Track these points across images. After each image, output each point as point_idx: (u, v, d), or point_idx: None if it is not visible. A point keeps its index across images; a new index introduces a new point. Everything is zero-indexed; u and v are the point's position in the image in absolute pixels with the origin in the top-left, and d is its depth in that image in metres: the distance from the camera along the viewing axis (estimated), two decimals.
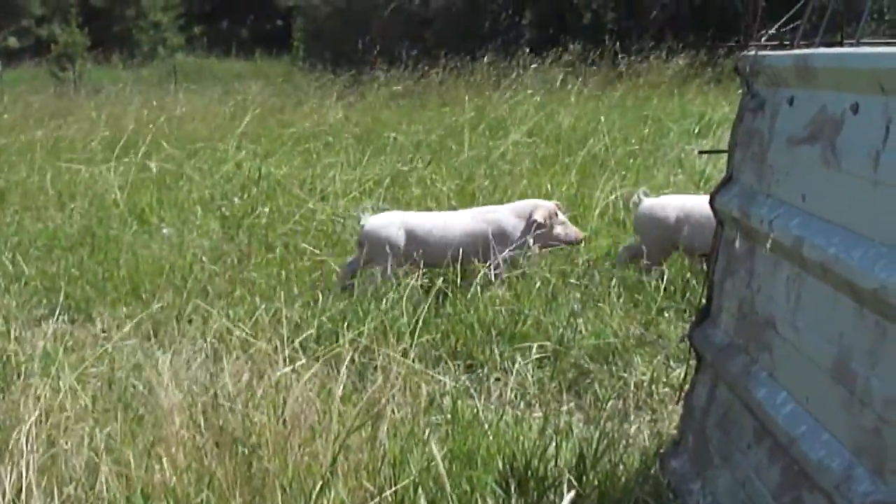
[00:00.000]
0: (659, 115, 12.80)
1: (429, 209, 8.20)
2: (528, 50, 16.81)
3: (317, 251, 7.10)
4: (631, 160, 9.75)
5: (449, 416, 4.45)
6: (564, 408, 4.92)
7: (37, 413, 4.05)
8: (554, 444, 3.96)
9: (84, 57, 25.87)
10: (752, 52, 3.38)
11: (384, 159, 9.84)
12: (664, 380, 5.16)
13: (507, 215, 6.76)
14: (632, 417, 4.82)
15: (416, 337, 5.41)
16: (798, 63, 2.98)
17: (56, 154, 11.66)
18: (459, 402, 4.55)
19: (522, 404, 5.06)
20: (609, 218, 7.74)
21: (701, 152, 8.20)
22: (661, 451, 4.03)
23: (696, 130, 11.65)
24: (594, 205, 7.73)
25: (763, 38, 3.48)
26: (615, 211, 7.80)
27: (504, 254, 6.45)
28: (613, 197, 7.80)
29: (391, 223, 6.65)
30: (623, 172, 9.09)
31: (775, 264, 3.06)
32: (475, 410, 4.45)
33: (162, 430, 4.03)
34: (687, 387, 3.83)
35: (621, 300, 5.91)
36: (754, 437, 3.13)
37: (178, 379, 4.51)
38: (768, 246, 3.03)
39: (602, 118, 11.54)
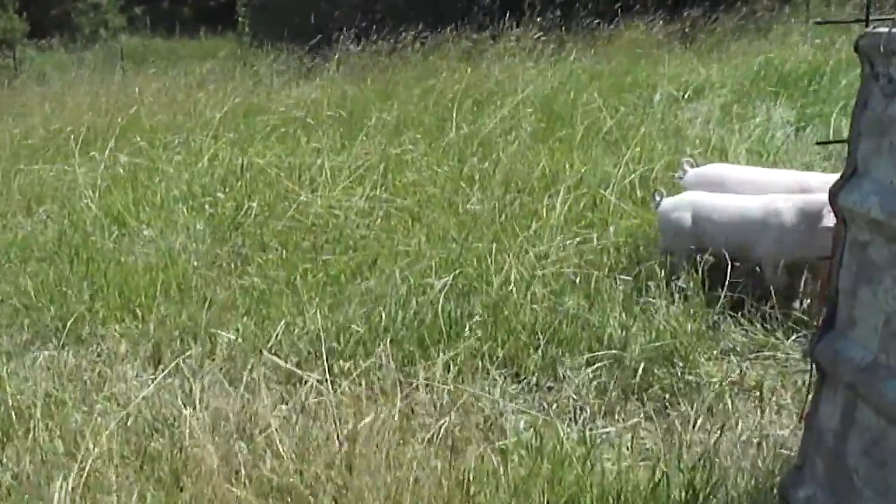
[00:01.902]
0: (640, 80, 12.37)
1: (426, 192, 7.72)
2: (505, 17, 16.19)
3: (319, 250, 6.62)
4: (630, 131, 9.29)
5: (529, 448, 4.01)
6: (634, 420, 4.51)
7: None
8: (664, 480, 3.53)
9: (24, 43, 24.89)
10: (887, 30, 2.92)
11: (370, 141, 9.29)
12: (738, 381, 4.78)
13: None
14: (709, 426, 4.41)
15: (457, 344, 5.00)
16: None
17: (15, 153, 10.96)
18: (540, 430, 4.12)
19: (585, 416, 4.64)
20: (631, 195, 7.29)
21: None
22: (777, 475, 3.62)
23: (684, 96, 11.22)
24: (613, 181, 7.26)
25: None
26: (632, 189, 7.34)
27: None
28: (636, 173, 7.34)
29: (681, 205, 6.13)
30: (629, 144, 8.63)
31: None
32: (560, 441, 4.00)
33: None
34: (808, 406, 3.41)
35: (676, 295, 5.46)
36: None
37: (211, 425, 4.02)
38: None
39: (591, 88, 11.11)
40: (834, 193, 3.20)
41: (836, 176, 5.99)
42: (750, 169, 6.50)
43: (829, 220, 5.33)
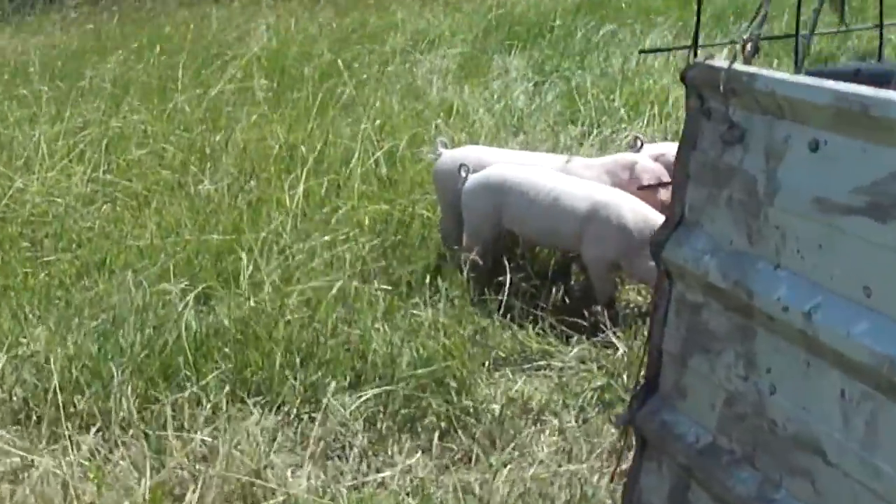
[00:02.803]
0: (369, 31, 11.82)
1: (159, 174, 6.94)
2: None
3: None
4: (367, 90, 8.76)
5: None
6: (412, 460, 4.06)
7: None
8: None
9: None
10: (725, 64, 2.54)
11: (87, 107, 8.29)
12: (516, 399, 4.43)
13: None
14: (492, 460, 4.03)
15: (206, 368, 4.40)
16: (845, 104, 2.17)
17: None
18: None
19: (354, 453, 4.16)
20: (376, 173, 6.77)
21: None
22: None
23: (418, 49, 10.78)
24: (355, 158, 6.72)
25: (746, 44, 2.64)
26: (377, 166, 6.83)
27: None
28: (381, 151, 6.81)
29: None
30: (366, 109, 8.10)
31: (813, 369, 2.29)
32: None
33: None
34: (622, 472, 3.06)
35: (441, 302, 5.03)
36: None
37: None
38: (804, 344, 2.27)
39: (320, 42, 10.46)
40: (657, 244, 2.82)
41: (597, 162, 5.93)
42: (512, 153, 6.12)
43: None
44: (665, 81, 8.79)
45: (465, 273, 5.19)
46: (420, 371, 4.44)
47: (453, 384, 4.48)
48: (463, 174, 5.51)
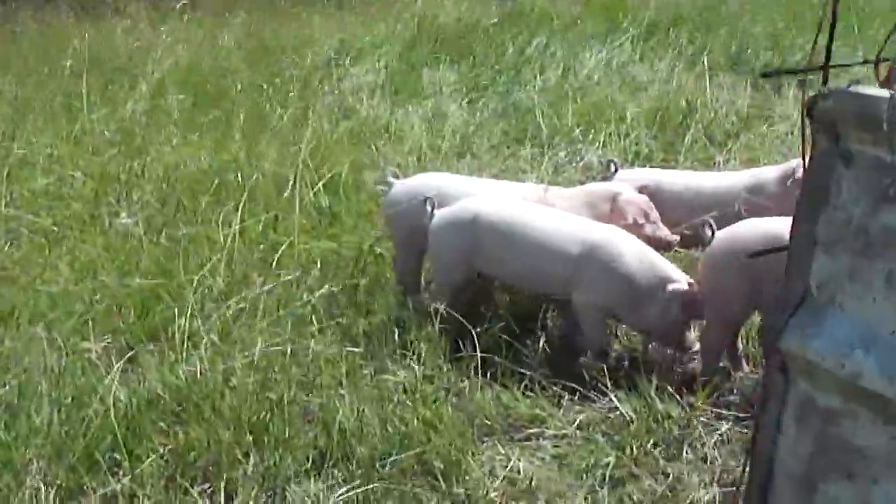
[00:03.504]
0: (288, 43, 11.00)
1: (70, 206, 6.08)
2: None
3: None
4: (293, 109, 7.98)
5: None
6: None
7: None
8: None
9: None
10: (888, 95, 1.89)
11: None
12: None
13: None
14: None
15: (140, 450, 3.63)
16: None
17: None
18: None
19: None
20: (315, 205, 6.01)
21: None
22: None
23: (342, 62, 10.01)
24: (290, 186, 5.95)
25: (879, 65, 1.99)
26: (317, 196, 6.06)
27: None
28: (321, 183, 6.04)
29: None
30: (297, 129, 7.34)
31: None
32: None
33: None
34: None
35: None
36: None
37: None
38: None
39: (235, 55, 9.65)
40: (771, 329, 2.15)
41: (573, 193, 5.28)
42: (474, 181, 5.43)
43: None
44: (621, 98, 8.20)
45: (436, 325, 4.49)
46: (401, 455, 3.70)
47: (438, 464, 3.76)
48: (428, 209, 4.79)
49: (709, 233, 4.34)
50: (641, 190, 5.06)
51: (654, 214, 4.90)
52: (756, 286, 4.15)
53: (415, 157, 6.93)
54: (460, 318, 4.49)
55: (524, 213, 4.63)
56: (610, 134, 7.53)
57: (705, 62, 8.96)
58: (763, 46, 10.41)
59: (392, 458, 3.72)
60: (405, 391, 4.13)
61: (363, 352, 4.42)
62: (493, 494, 3.63)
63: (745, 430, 4.02)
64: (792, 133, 7.78)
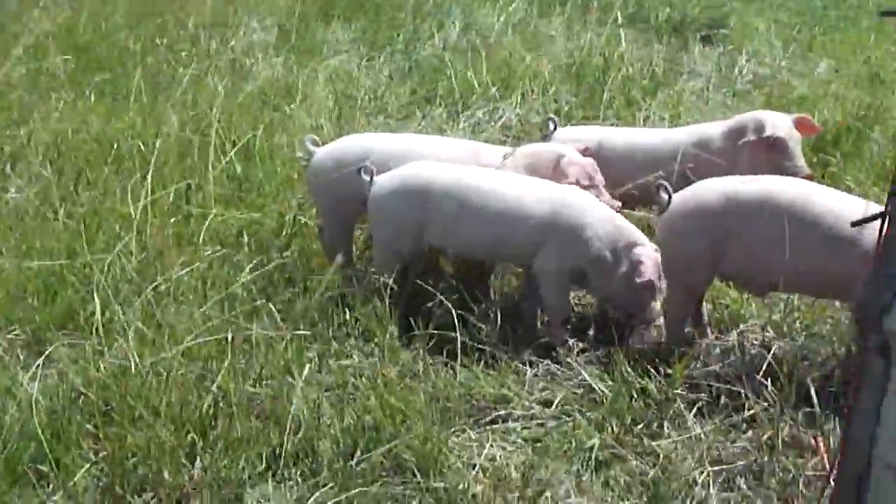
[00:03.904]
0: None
1: None
2: None
3: None
4: (183, 70, 7.40)
5: None
6: None
7: None
8: None
9: None
10: None
11: None
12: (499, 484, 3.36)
13: None
14: None
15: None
16: None
17: None
18: None
19: None
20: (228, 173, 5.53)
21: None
22: None
23: (233, 20, 9.40)
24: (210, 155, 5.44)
25: None
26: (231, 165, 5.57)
27: None
28: (233, 151, 5.53)
29: None
30: (190, 94, 6.80)
31: None
32: None
33: None
34: None
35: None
36: None
37: None
38: None
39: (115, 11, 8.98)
40: (872, 307, 1.85)
41: (516, 155, 4.91)
42: (402, 137, 5.04)
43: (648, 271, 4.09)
44: (527, 54, 7.87)
45: (386, 300, 4.11)
46: (370, 453, 3.33)
47: (411, 458, 3.40)
48: (366, 176, 4.38)
49: (664, 196, 4.05)
50: (585, 152, 4.76)
51: (599, 178, 4.60)
52: (719, 250, 3.91)
53: (326, 118, 6.46)
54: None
55: (482, 180, 4.29)
56: (524, 94, 7.21)
57: (618, 17, 8.69)
58: (660, 2, 10.22)
59: (361, 457, 3.32)
60: (363, 377, 3.75)
61: (309, 334, 4.00)
62: (479, 488, 3.27)
63: (725, 402, 3.77)
64: (707, 89, 7.61)
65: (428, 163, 4.42)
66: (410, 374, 3.87)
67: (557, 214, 4.13)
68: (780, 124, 4.79)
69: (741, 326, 4.33)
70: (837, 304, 4.30)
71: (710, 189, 4.04)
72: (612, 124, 6.47)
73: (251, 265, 4.46)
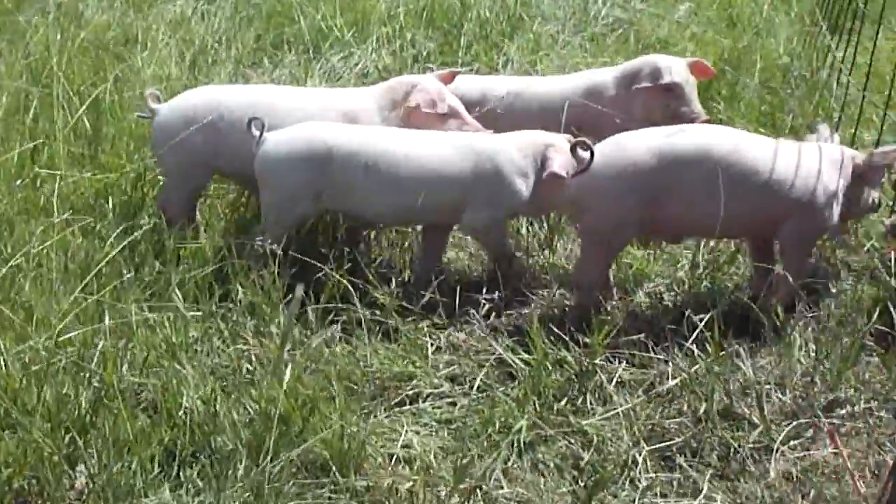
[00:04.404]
0: None
1: None
2: None
3: None
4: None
5: None
6: None
7: None
8: None
9: None
10: None
11: None
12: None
13: None
14: None
15: None
16: None
17: None
18: None
19: None
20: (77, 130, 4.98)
21: None
22: None
23: None
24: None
25: None
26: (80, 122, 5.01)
27: None
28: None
29: None
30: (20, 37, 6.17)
31: None
32: None
33: None
34: None
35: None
36: None
37: None
38: None
39: None
40: None
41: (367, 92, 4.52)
42: (256, 89, 4.68)
43: (556, 163, 3.83)
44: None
45: (274, 270, 3.74)
46: (288, 453, 2.97)
47: (325, 453, 3.06)
48: (255, 132, 3.97)
49: (586, 154, 3.80)
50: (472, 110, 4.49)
51: (454, 108, 4.32)
52: (652, 208, 3.72)
53: (176, 68, 5.95)
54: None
55: (390, 141, 3.98)
56: (378, 38, 6.84)
57: None
58: None
59: (272, 455, 2.96)
60: (259, 362, 3.38)
61: (194, 315, 3.59)
62: (407, 485, 2.97)
63: (643, 372, 3.58)
64: (563, 31, 7.40)
65: (325, 124, 4.06)
66: (311, 356, 3.52)
67: (482, 167, 3.94)
68: (676, 69, 4.61)
69: (646, 286, 4.15)
70: (740, 257, 4.20)
71: (636, 145, 3.82)
72: (472, 70, 6.20)
73: (114, 235, 3.99)
